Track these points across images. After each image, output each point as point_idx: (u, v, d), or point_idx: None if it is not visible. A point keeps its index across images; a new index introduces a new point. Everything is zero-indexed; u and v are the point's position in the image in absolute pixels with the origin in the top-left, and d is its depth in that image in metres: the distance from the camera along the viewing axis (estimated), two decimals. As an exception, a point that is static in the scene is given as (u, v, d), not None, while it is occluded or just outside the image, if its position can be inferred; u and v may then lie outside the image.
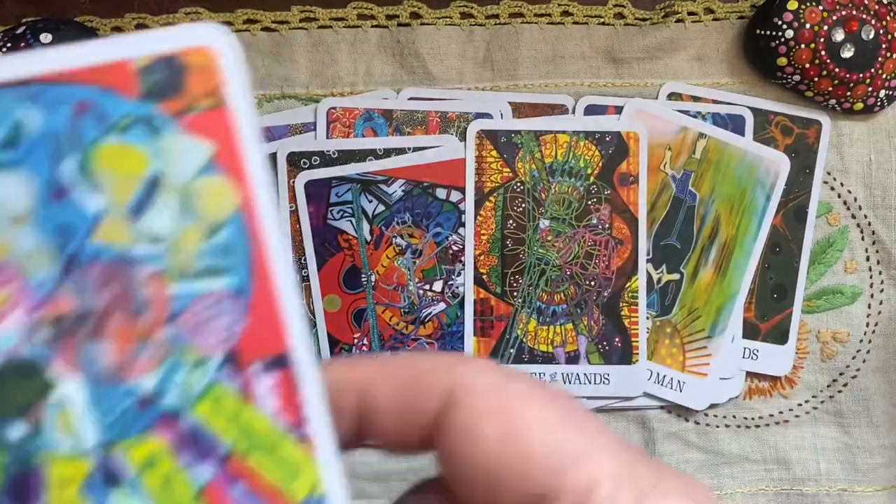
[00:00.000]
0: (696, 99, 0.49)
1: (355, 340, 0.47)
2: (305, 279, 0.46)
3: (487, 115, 0.47)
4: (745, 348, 0.49)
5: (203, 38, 0.19)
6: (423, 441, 0.20)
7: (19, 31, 0.41)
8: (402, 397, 0.20)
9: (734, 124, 0.49)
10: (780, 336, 0.49)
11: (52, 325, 0.19)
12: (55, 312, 0.19)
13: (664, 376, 0.48)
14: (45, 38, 0.41)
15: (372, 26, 0.47)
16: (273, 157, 0.46)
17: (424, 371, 0.20)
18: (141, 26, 0.47)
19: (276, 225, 0.19)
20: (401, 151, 0.47)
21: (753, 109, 0.49)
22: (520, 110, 0.48)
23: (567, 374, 0.47)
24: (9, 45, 0.41)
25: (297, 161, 0.46)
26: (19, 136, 0.19)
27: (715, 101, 0.49)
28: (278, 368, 0.19)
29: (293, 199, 0.46)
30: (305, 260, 0.46)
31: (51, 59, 0.18)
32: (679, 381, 0.48)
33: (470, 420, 0.19)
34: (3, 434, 0.18)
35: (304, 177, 0.46)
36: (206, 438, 0.19)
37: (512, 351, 0.48)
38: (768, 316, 0.49)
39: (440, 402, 0.19)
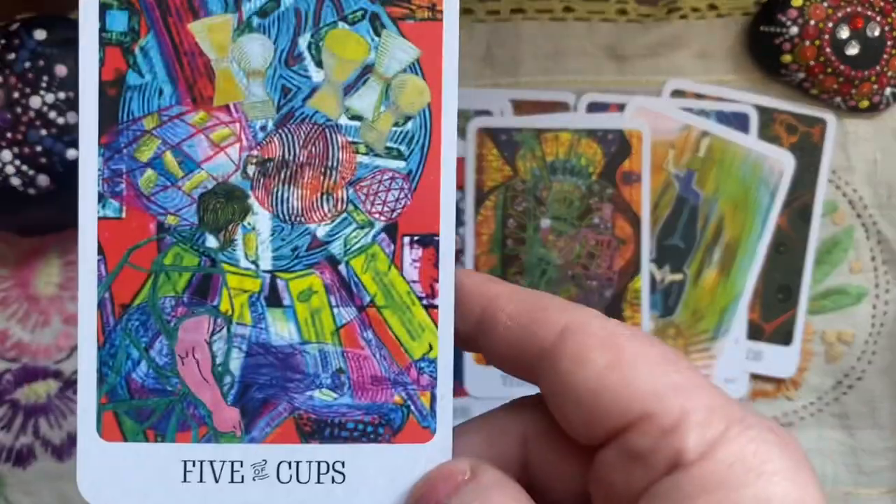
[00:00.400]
0: (699, 97, 0.48)
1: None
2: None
3: (487, 113, 0.47)
4: (749, 350, 0.48)
5: None
6: (529, 367, 0.22)
7: (13, 27, 0.41)
8: (522, 321, 0.22)
9: (738, 122, 0.48)
10: (784, 337, 0.49)
11: (259, 165, 0.24)
12: (264, 155, 0.24)
13: None
14: (40, 34, 0.41)
15: (371, 23, 0.47)
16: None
17: (545, 305, 0.23)
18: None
19: (452, 130, 0.23)
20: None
21: (758, 107, 0.48)
22: (521, 108, 0.47)
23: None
24: (2, 41, 0.41)
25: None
26: (274, 8, 0.23)
27: (719, 99, 0.48)
28: (425, 246, 0.24)
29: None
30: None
31: None
32: None
33: (580, 348, 0.21)
34: (203, 241, 0.23)
35: None
36: (354, 286, 0.24)
37: (513, 352, 0.48)
38: (773, 317, 0.49)
39: (554, 334, 0.22)
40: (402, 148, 0.24)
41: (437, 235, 0.24)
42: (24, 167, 0.41)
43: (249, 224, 0.24)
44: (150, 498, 0.23)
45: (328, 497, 0.23)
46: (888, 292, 0.49)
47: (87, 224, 0.23)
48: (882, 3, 0.47)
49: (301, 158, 0.23)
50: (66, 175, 0.41)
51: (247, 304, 0.24)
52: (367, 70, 0.23)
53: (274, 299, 0.24)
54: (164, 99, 0.23)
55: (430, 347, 0.24)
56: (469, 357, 0.47)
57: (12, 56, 0.41)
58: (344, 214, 0.24)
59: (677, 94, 0.48)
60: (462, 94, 0.47)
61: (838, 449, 0.49)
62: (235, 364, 0.24)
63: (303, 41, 0.23)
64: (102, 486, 0.23)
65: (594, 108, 0.48)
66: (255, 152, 0.24)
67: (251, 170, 0.24)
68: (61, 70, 0.41)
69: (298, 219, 0.24)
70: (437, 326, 0.24)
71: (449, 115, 0.23)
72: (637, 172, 0.48)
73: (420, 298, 0.24)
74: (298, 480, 0.23)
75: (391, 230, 0.24)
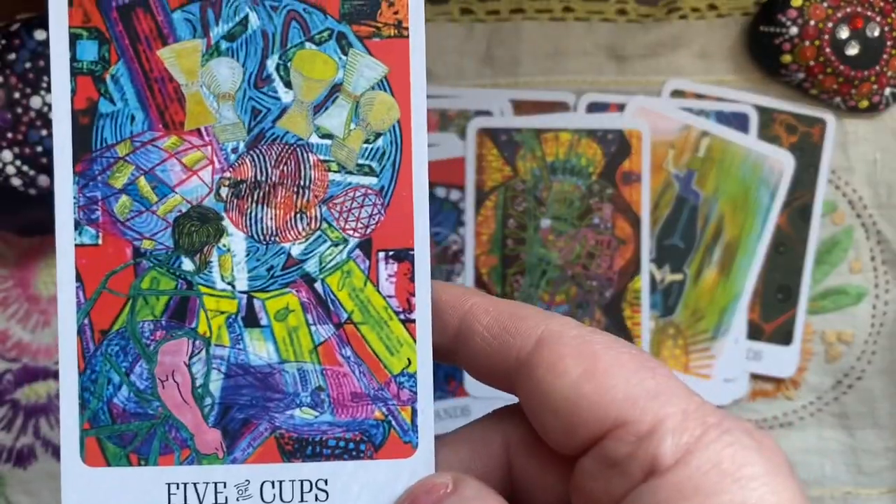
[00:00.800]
0: (699, 97, 0.48)
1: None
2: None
3: (487, 113, 0.47)
4: (749, 349, 0.48)
5: None
6: (506, 377, 0.23)
7: (13, 27, 0.41)
8: (498, 331, 0.23)
9: (738, 122, 0.48)
10: (784, 337, 0.49)
11: (232, 187, 0.24)
12: (236, 177, 0.24)
13: None
14: (40, 34, 0.41)
15: (371, 23, 0.47)
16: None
17: (522, 315, 0.23)
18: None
19: (423, 144, 0.24)
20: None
21: (758, 107, 0.48)
22: (521, 108, 0.47)
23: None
24: (3, 41, 0.41)
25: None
26: (242, 32, 0.23)
27: (719, 99, 0.48)
28: (400, 260, 0.24)
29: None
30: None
31: None
32: None
33: (555, 358, 0.22)
34: (179, 264, 0.23)
35: None
36: (331, 304, 0.24)
37: (513, 352, 0.48)
38: (773, 317, 0.49)
39: (530, 344, 0.22)
40: (374, 164, 0.24)
41: (412, 250, 0.24)
42: (25, 167, 0.41)
43: (224, 245, 0.24)
44: None
45: None
46: (888, 292, 0.49)
47: (64, 251, 0.23)
48: (882, 4, 0.47)
49: (273, 178, 0.24)
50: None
51: (224, 325, 0.24)
52: (335, 89, 0.24)
53: (251, 320, 0.24)
54: (137, 125, 0.23)
55: (409, 362, 0.24)
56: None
57: (13, 56, 0.40)
58: (318, 232, 0.24)
59: (677, 94, 0.48)
60: (462, 94, 0.47)
61: (838, 449, 0.49)
62: (215, 385, 0.24)
63: (271, 63, 0.24)
64: None
65: (594, 108, 0.48)
66: (227, 174, 0.24)
67: (224, 192, 0.24)
68: (61, 70, 0.41)
69: (273, 238, 0.24)
70: (415, 341, 0.24)
71: (419, 129, 0.24)
72: (637, 172, 0.48)
73: (397, 313, 0.24)
74: (282, 499, 0.23)
75: (365, 246, 0.24)
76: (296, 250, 0.24)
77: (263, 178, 0.24)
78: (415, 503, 0.22)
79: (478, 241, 0.48)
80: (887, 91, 0.48)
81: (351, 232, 0.24)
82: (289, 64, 0.24)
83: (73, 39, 0.23)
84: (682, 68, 0.48)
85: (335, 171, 0.24)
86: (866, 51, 0.46)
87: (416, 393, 0.24)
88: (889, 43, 0.47)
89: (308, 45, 0.24)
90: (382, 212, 0.24)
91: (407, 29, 0.24)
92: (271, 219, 0.24)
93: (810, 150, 0.49)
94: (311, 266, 0.24)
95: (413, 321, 0.24)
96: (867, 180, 0.49)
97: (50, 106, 0.40)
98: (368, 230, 0.24)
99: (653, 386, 0.21)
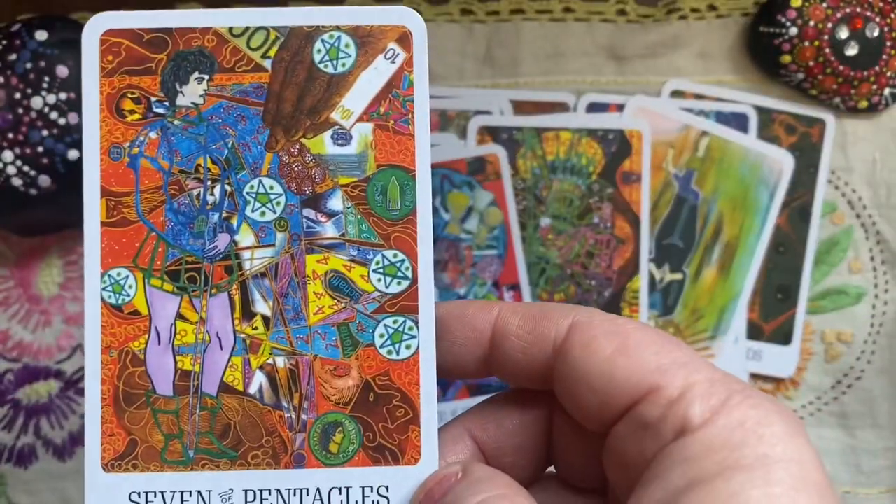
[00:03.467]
0: (699, 97, 0.48)
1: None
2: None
3: (487, 113, 0.47)
4: (748, 349, 0.48)
5: None
6: (542, 369, 0.24)
7: (14, 28, 0.41)
8: (532, 325, 0.24)
9: (737, 122, 0.48)
10: (784, 337, 0.49)
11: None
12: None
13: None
14: (41, 35, 0.41)
15: (371, 23, 0.47)
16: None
17: (548, 310, 0.25)
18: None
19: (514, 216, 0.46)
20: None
21: (757, 107, 0.48)
22: (521, 108, 0.47)
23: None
24: (4, 42, 0.41)
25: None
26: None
27: (718, 99, 0.48)
28: (513, 289, 0.46)
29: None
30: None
31: None
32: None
33: (589, 339, 0.23)
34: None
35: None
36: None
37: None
38: (772, 316, 0.49)
39: (563, 331, 0.24)
40: (493, 244, 0.46)
41: (519, 283, 0.45)
42: (26, 167, 0.41)
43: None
44: None
45: None
46: (887, 292, 0.49)
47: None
48: (881, 4, 0.47)
49: (445, 257, 0.46)
50: (67, 175, 0.41)
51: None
52: (470, 209, 0.46)
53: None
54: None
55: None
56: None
57: (13, 57, 0.41)
58: (470, 282, 0.46)
59: (677, 94, 0.48)
60: (462, 95, 0.47)
61: (837, 448, 0.49)
62: None
63: (437, 201, 0.46)
64: None
65: (594, 108, 0.48)
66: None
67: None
68: (62, 71, 0.41)
69: (450, 287, 0.46)
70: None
71: (514, 226, 0.45)
72: (637, 172, 0.48)
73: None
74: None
75: (496, 284, 0.46)
76: (462, 291, 0.46)
77: (441, 258, 0.46)
78: (429, 495, 0.24)
79: (478, 241, 0.48)
80: (887, 91, 0.48)
81: (488, 278, 0.46)
82: (446, 200, 0.45)
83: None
84: (682, 69, 0.49)
85: (475, 250, 0.46)
86: (866, 51, 0.46)
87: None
88: (888, 43, 0.47)
89: (454, 189, 0.45)
90: (501, 266, 0.46)
91: (500, 175, 0.46)
92: (447, 278, 0.46)
93: (809, 151, 0.49)
94: (470, 298, 0.42)
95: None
96: (867, 180, 0.49)
97: (50, 106, 0.40)
98: (496, 276, 0.46)
99: (681, 357, 0.23)
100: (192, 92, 0.25)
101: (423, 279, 0.25)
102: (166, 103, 0.25)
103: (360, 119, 0.25)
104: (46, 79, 0.40)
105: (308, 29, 0.25)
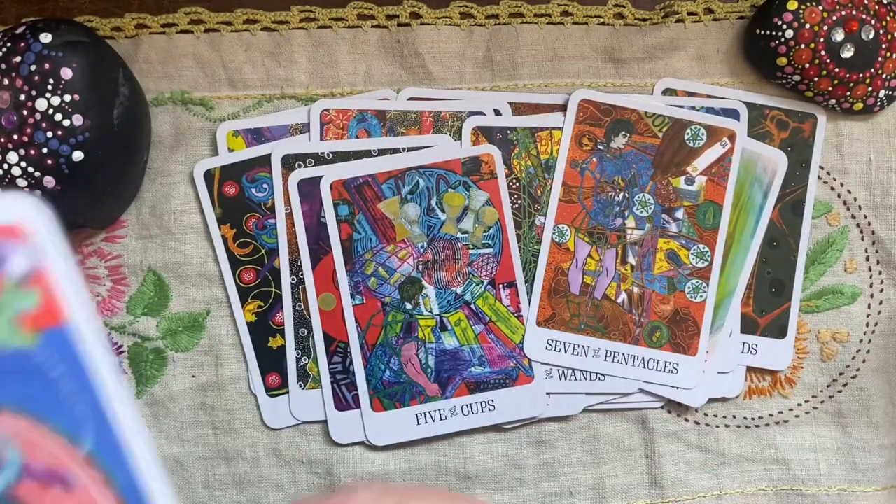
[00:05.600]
0: (690, 94, 0.48)
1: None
2: (300, 278, 0.46)
3: (481, 114, 0.47)
4: (743, 343, 0.49)
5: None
6: None
7: (19, 30, 0.41)
8: None
9: (729, 118, 0.48)
10: (778, 330, 0.49)
11: (423, 265, 0.47)
12: (424, 259, 0.47)
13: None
14: (45, 37, 0.41)
15: (372, 26, 0.47)
16: (267, 158, 0.46)
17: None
18: (141, 26, 0.47)
19: (511, 229, 0.47)
20: (395, 152, 0.47)
21: (748, 104, 0.48)
22: (520, 110, 0.48)
23: (563, 371, 0.47)
24: (8, 44, 0.41)
25: (291, 163, 0.46)
26: (416, 188, 0.46)
27: (709, 96, 0.48)
28: (510, 287, 0.47)
29: (288, 201, 0.46)
30: (300, 259, 0.46)
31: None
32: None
33: None
34: (405, 306, 0.46)
35: (297, 175, 0.46)
36: (480, 314, 0.47)
37: (511, 351, 0.48)
38: (767, 310, 0.49)
39: None
40: (490, 242, 0.47)
41: (515, 281, 0.47)
42: (30, 169, 0.41)
43: (424, 293, 0.46)
44: (402, 435, 0.46)
45: (487, 419, 0.47)
46: (882, 292, 0.50)
47: (348, 310, 0.46)
48: (876, 7, 0.47)
49: (442, 257, 0.47)
50: (72, 177, 0.41)
51: (430, 332, 0.47)
52: (466, 208, 0.47)
53: (443, 327, 0.47)
54: (372, 242, 0.46)
55: (523, 336, 0.47)
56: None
57: (18, 59, 0.41)
58: (468, 280, 0.47)
59: (669, 92, 0.48)
60: (461, 97, 0.47)
61: (833, 447, 0.50)
62: (431, 362, 0.47)
63: (434, 201, 0.47)
64: (378, 435, 0.46)
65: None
66: (420, 259, 0.47)
67: (420, 268, 0.47)
68: (67, 73, 0.41)
69: (447, 286, 0.47)
70: (524, 325, 0.47)
71: (510, 223, 0.47)
72: (634, 174, 0.48)
73: (512, 314, 0.47)
74: (472, 413, 0.47)
75: (493, 283, 0.47)
76: (459, 290, 0.47)
77: (438, 258, 0.47)
78: None
79: (477, 241, 0.48)
80: (882, 93, 0.48)
81: (484, 277, 0.47)
82: (442, 200, 0.47)
83: (335, 206, 0.46)
84: (679, 71, 0.49)
85: (471, 249, 0.47)
86: (861, 53, 0.46)
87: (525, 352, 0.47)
88: (884, 45, 0.47)
89: (449, 189, 0.47)
90: (497, 264, 0.47)
91: (495, 174, 0.47)
92: (445, 277, 0.46)
93: (801, 146, 0.49)
94: (467, 297, 0.47)
95: (521, 316, 0.47)
96: (862, 181, 0.50)
97: (55, 108, 0.41)
98: (492, 274, 0.47)
99: None
100: (619, 141, 0.47)
101: (715, 263, 0.47)
102: (605, 143, 0.47)
103: (700, 174, 0.47)
104: (51, 81, 0.40)
105: (681, 118, 0.47)
